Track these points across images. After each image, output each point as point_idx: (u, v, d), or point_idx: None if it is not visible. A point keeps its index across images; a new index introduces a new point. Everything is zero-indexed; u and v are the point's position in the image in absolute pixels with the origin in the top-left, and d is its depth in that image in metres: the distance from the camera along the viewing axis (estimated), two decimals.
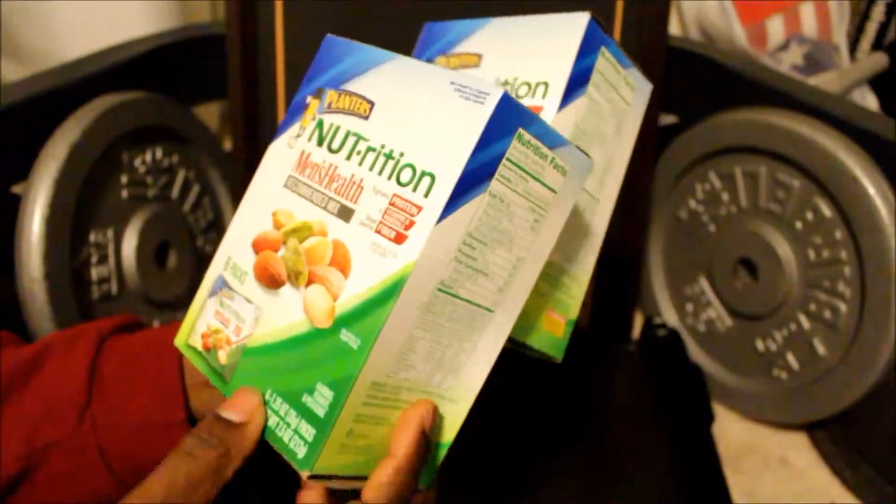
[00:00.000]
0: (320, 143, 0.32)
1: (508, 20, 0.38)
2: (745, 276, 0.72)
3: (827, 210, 0.63)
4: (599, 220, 0.39)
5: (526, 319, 0.35)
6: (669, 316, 0.78)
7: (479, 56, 0.39)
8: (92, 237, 0.61)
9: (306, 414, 0.28)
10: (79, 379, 0.36)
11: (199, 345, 0.33)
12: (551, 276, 0.37)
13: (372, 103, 0.30)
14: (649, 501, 0.59)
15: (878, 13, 0.86)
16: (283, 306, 0.30)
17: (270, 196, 0.33)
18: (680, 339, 0.76)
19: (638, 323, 0.80)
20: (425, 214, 0.27)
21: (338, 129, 0.31)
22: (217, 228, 0.77)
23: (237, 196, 0.76)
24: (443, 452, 0.32)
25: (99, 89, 0.63)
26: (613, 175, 0.39)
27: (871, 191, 0.59)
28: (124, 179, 0.65)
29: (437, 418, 0.30)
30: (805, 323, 0.66)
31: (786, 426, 0.70)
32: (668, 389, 0.70)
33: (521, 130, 0.28)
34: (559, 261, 0.37)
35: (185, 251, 0.71)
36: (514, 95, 0.37)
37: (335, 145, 0.31)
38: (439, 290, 0.28)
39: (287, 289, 0.30)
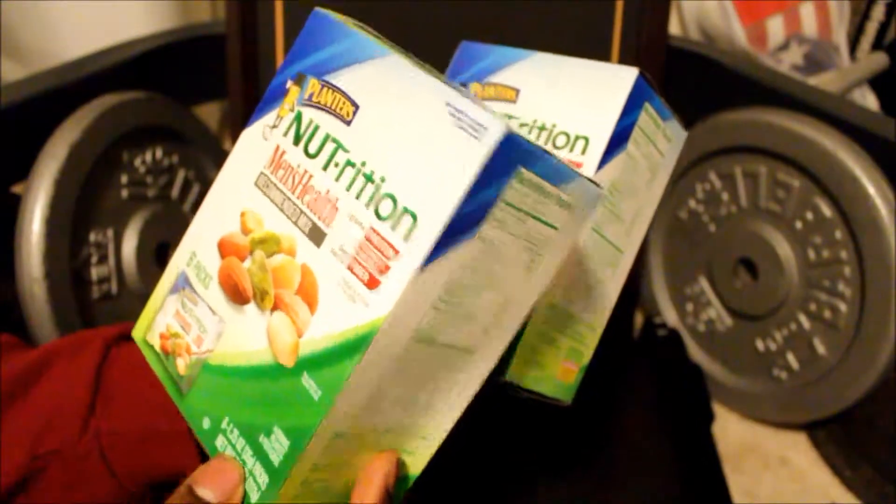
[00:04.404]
0: (296, 141, 0.29)
1: (551, 57, 0.37)
2: (745, 276, 0.72)
3: (827, 210, 0.63)
4: (621, 271, 0.38)
5: (540, 370, 0.34)
6: (669, 316, 0.78)
7: (517, 91, 0.37)
8: (92, 237, 0.61)
9: (261, 457, 0.26)
10: (83, 387, 0.36)
11: (157, 344, 0.31)
12: (568, 328, 0.36)
13: (357, 106, 0.27)
14: (649, 501, 0.59)
15: (878, 13, 0.86)
16: (247, 327, 0.28)
17: (240, 192, 0.30)
18: (680, 338, 0.76)
19: (638, 323, 0.80)
20: (403, 262, 0.23)
21: (317, 128, 0.28)
22: None
23: None
24: (408, 484, 0.30)
25: (99, 89, 0.63)
26: (640, 225, 0.38)
27: (871, 191, 0.59)
28: (124, 179, 0.65)
29: (400, 466, 0.28)
30: (805, 323, 0.66)
31: (786, 426, 0.70)
32: (668, 389, 0.70)
33: (521, 169, 0.24)
34: (578, 312, 0.36)
35: None
36: (550, 143, 0.35)
37: (312, 149, 0.28)
38: (414, 339, 0.25)
39: (252, 308, 0.28)
